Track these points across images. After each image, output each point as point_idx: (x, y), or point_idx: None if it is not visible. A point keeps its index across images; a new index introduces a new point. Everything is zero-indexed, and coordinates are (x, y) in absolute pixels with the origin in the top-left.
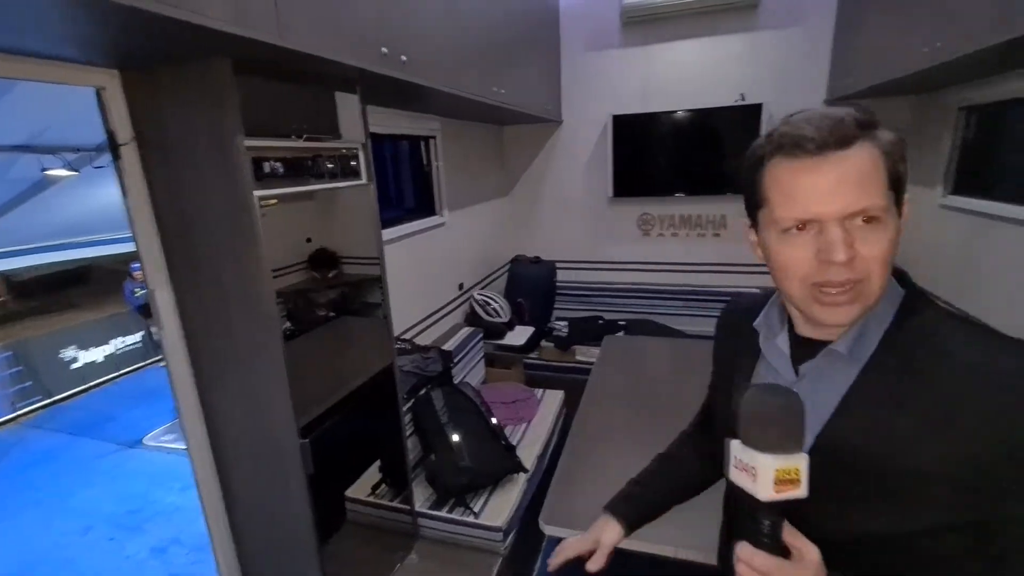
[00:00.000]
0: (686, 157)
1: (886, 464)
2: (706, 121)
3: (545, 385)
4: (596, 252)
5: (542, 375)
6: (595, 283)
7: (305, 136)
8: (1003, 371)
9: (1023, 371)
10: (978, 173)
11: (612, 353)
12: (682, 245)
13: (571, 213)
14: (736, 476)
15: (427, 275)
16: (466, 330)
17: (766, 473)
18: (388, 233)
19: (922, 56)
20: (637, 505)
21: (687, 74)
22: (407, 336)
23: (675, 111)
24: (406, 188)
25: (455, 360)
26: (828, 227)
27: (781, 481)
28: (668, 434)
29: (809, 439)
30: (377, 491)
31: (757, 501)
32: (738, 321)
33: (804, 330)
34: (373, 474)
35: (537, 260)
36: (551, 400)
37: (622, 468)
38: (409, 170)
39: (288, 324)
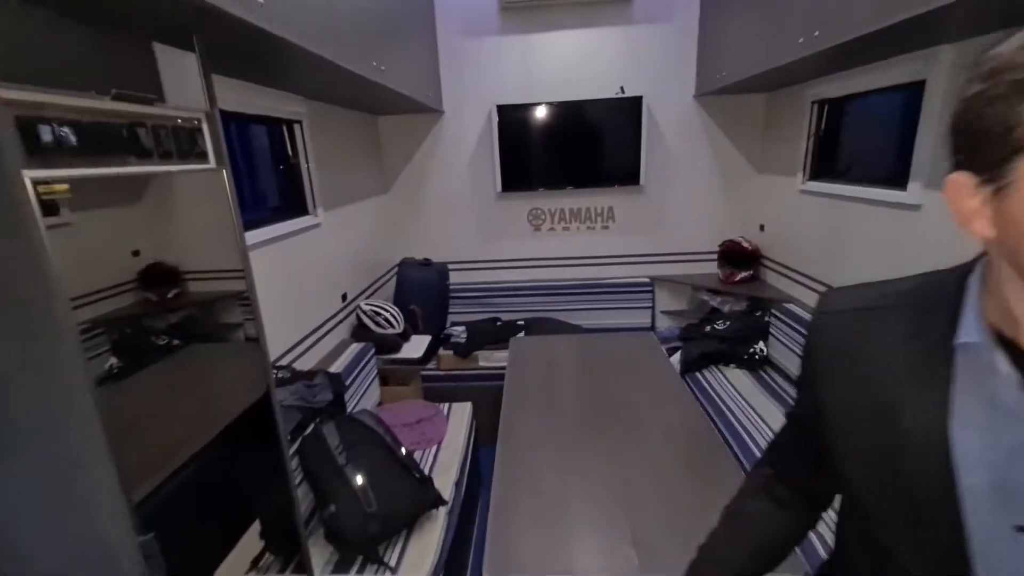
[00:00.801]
0: (572, 149)
1: None
2: (589, 113)
3: (449, 398)
4: (488, 251)
5: (444, 387)
6: (489, 283)
7: (114, 94)
8: None
9: None
10: (829, 160)
11: (521, 355)
12: (573, 239)
13: (459, 210)
14: None
15: (303, 286)
16: (355, 346)
17: None
18: (251, 237)
19: (797, 47)
20: None
21: (569, 65)
22: (283, 362)
23: (559, 102)
24: (268, 183)
25: (347, 383)
26: None
27: None
28: (598, 437)
29: None
30: (260, 563)
31: None
32: (868, 326)
33: None
34: (252, 542)
35: (427, 262)
36: (459, 414)
37: (562, 485)
38: (271, 162)
39: (114, 360)
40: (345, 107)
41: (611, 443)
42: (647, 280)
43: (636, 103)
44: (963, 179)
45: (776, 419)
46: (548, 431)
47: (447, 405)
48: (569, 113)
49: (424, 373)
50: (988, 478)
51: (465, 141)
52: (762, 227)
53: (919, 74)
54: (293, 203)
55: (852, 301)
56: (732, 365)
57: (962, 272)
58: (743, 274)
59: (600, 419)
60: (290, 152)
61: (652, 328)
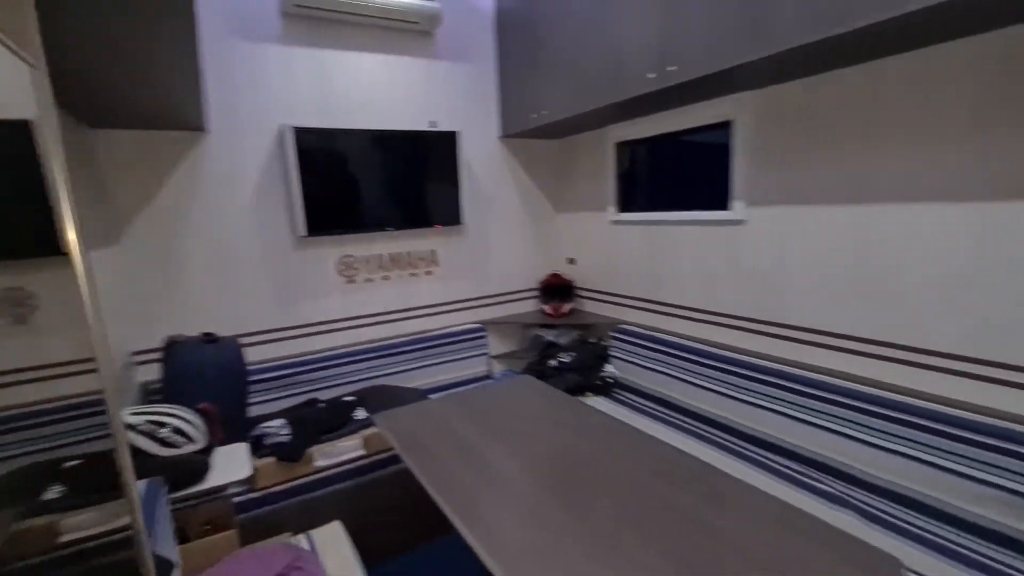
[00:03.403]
0: (389, 185)
1: None
2: (405, 145)
3: (278, 528)
4: (290, 314)
5: (271, 514)
6: (296, 356)
7: None
8: None
9: None
10: (636, 193)
11: (407, 433)
12: (395, 289)
13: (241, 264)
14: None
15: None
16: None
17: None
18: None
19: (645, 82)
20: None
21: (374, 91)
22: None
23: (372, 130)
24: None
25: None
26: None
27: None
28: (588, 497)
29: None
30: None
31: None
32: None
33: None
34: None
35: (212, 338)
36: (331, 546)
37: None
38: None
39: None
40: None
41: (612, 498)
42: (479, 325)
43: (451, 138)
44: None
45: (671, 438)
46: (515, 503)
47: (306, 537)
48: (384, 144)
49: (238, 500)
50: None
51: (244, 172)
52: (571, 260)
53: (727, 115)
54: None
55: None
56: (588, 393)
57: None
58: (569, 306)
59: (572, 479)
60: None
61: (489, 375)
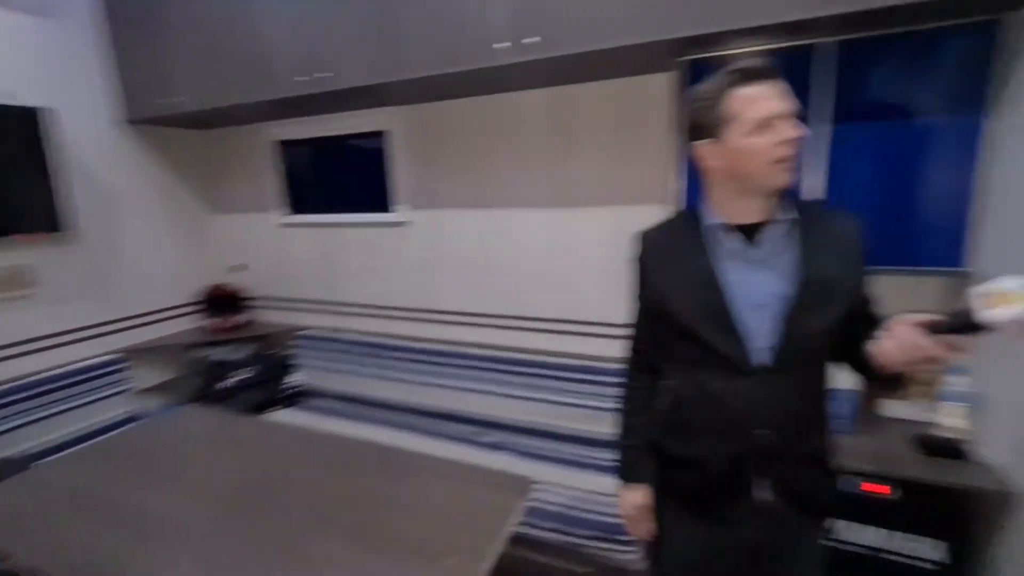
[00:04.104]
0: None
1: (834, 282)
2: None
3: None
4: None
5: None
6: None
7: None
8: (852, 221)
9: (852, 219)
10: (309, 193)
11: (22, 517)
12: None
13: None
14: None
15: None
16: None
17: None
18: None
19: (292, 85)
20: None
21: None
22: None
23: None
24: None
25: None
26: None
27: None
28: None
29: (797, 279)
30: None
31: None
32: (669, 237)
33: (736, 217)
34: None
35: None
36: None
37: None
38: None
39: None
40: None
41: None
42: (117, 356)
43: (33, 116)
44: (701, 144)
45: (360, 432)
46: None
47: None
48: None
49: None
50: (734, 283)
51: None
52: (236, 268)
53: (382, 125)
54: None
55: (658, 225)
56: (278, 407)
57: (697, 204)
58: (241, 317)
59: (257, 500)
60: None
61: (135, 416)
